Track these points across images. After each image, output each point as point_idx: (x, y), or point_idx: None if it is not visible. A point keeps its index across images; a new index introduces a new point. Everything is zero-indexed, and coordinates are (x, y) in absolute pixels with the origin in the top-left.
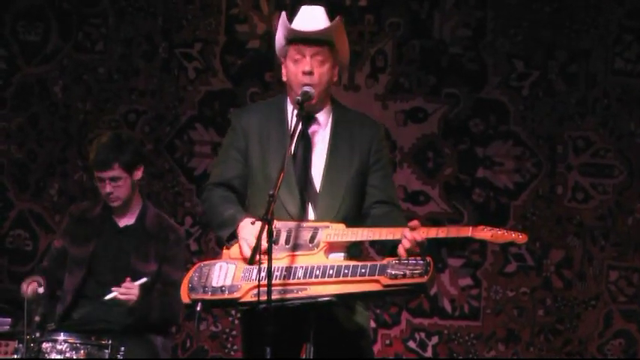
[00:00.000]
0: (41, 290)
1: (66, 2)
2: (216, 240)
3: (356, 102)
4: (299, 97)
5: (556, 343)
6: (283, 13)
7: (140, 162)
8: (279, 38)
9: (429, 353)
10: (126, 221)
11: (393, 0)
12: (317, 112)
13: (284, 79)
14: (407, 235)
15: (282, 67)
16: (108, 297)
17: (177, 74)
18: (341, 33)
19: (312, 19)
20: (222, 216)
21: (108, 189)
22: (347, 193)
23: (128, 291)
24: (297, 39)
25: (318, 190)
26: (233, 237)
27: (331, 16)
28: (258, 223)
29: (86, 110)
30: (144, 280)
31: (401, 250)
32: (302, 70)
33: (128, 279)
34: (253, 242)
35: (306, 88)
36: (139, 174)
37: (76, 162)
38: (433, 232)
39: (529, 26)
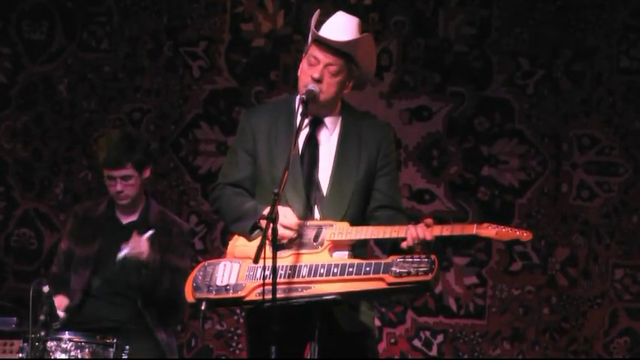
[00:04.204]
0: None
1: (71, 1)
2: (221, 238)
3: (361, 100)
4: (303, 96)
5: (561, 341)
6: (317, 12)
7: (150, 161)
8: (310, 34)
9: (434, 352)
10: (129, 218)
11: None
12: (325, 117)
13: (299, 73)
14: (410, 232)
15: (301, 61)
16: (120, 255)
17: (182, 73)
18: (365, 48)
19: (340, 27)
20: (240, 209)
21: (119, 187)
22: (353, 197)
23: (137, 244)
24: (319, 41)
25: (324, 194)
26: (256, 228)
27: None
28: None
29: (91, 109)
30: (150, 232)
31: (403, 245)
32: (311, 76)
33: (135, 233)
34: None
35: (311, 87)
36: (147, 173)
37: (81, 161)
38: (437, 230)
39: (534, 24)
